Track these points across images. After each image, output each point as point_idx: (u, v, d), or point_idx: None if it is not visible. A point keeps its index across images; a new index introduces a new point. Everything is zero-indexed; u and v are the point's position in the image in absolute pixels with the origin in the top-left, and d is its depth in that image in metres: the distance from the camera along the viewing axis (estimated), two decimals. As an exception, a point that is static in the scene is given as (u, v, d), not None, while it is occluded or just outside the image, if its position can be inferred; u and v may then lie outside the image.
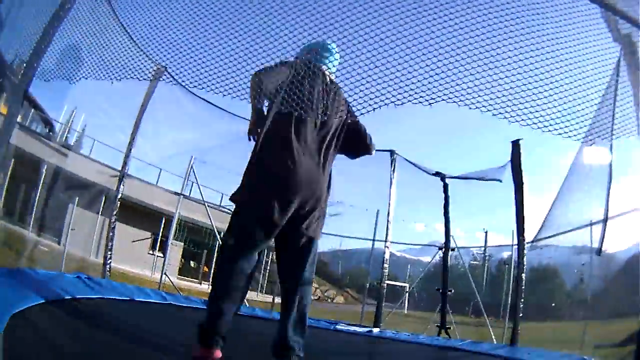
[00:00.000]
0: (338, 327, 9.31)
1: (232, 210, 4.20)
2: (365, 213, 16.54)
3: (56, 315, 4.71)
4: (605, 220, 7.14)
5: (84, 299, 6.08)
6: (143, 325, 5.78)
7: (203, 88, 3.82)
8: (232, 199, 4.22)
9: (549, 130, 3.72)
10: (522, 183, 10.25)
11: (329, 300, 44.87)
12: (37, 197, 17.24)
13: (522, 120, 3.65)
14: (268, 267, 33.96)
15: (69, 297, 5.67)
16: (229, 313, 3.88)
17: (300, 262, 4.24)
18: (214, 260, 30.71)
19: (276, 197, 3.97)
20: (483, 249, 27.67)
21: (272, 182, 4.05)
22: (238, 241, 4.03)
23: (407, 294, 27.10)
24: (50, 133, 26.00)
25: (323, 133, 4.27)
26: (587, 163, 8.29)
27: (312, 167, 4.14)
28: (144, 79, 5.52)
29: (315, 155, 4.20)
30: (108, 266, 9.81)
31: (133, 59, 5.38)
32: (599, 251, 7.83)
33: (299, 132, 4.09)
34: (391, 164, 12.99)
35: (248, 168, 4.25)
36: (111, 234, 10.05)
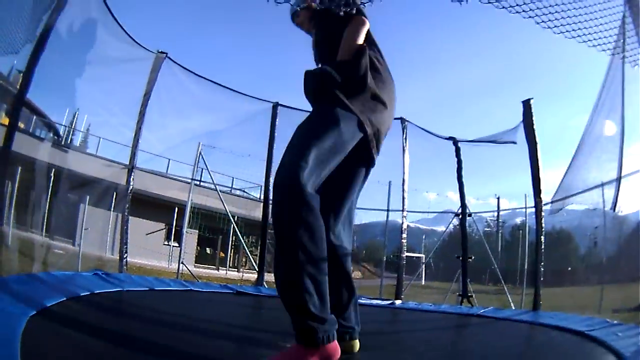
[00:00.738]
0: (360, 301, 9.29)
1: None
2: (377, 185, 16.51)
3: (76, 311, 4.67)
4: (618, 179, 7.11)
5: (103, 293, 6.07)
6: (166, 312, 5.75)
7: None
8: None
9: (584, 41, 3.73)
10: (536, 142, 10.26)
11: (347, 275, 45.19)
12: (48, 201, 17.27)
13: (559, 30, 3.66)
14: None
15: (88, 293, 5.64)
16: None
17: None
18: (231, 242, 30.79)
19: None
20: (496, 215, 27.65)
21: None
22: None
23: (424, 265, 27.10)
24: (55, 137, 26.07)
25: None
26: (597, 129, 8.28)
27: None
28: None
29: None
30: (125, 261, 9.89)
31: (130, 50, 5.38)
32: (614, 206, 7.80)
33: None
34: (402, 132, 12.98)
35: None
36: (125, 228, 10.06)
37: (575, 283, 25.44)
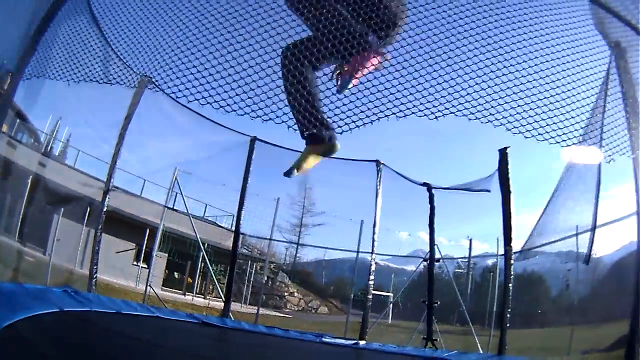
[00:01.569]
0: (324, 339, 9.29)
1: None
2: (349, 222, 16.58)
3: (44, 327, 4.70)
4: (593, 229, 7.20)
5: (71, 311, 6.07)
6: (132, 337, 5.78)
7: (188, 99, 3.80)
8: None
9: (544, 139, 3.78)
10: (510, 192, 10.30)
11: (313, 311, 44.60)
12: (23, 207, 17.19)
13: (521, 130, 3.72)
14: (252, 278, 33.86)
15: (57, 310, 5.65)
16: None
17: None
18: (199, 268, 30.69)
19: None
20: (467, 257, 27.74)
21: None
22: None
23: (391, 305, 27.06)
24: (35, 143, 25.92)
25: None
26: (575, 173, 8.36)
27: None
28: (129, 87, 5.53)
29: None
30: (94, 280, 9.80)
31: (116, 70, 5.40)
32: (587, 259, 7.89)
33: None
34: (377, 175, 13.02)
35: None
36: (97, 248, 10.04)
37: (545, 325, 25.48)
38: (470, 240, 21.52)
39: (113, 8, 5.18)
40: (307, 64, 4.00)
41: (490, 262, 28.10)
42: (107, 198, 10.22)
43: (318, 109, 4.09)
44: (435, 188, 12.66)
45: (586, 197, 7.85)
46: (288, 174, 4.46)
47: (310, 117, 4.04)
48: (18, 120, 21.79)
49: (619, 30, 5.45)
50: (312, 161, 4.37)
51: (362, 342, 9.99)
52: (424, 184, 12.82)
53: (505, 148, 10.68)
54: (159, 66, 4.21)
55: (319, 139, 4.15)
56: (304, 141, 4.22)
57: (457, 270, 33.36)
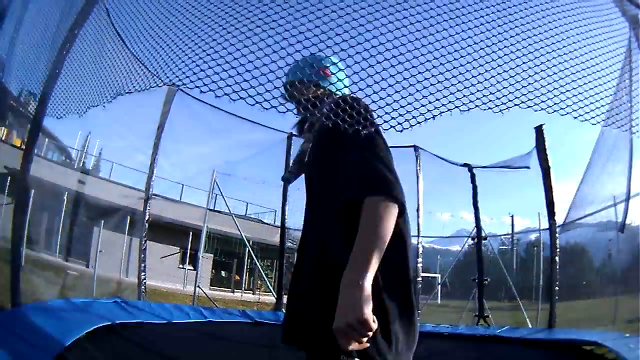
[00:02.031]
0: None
1: None
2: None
3: (97, 347, 4.73)
4: (627, 198, 7.13)
5: (124, 324, 6.12)
6: (187, 351, 5.81)
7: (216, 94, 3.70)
8: None
9: (575, 117, 3.78)
10: (549, 168, 10.28)
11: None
12: (62, 224, 17.38)
13: (550, 107, 3.71)
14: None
15: (109, 323, 5.70)
16: None
17: None
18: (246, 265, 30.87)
19: None
20: (511, 234, 27.55)
21: None
22: None
23: (439, 285, 27.01)
24: (67, 160, 26.21)
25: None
26: (609, 143, 8.28)
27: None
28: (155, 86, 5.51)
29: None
30: (143, 287, 9.89)
31: (143, 79, 5.39)
32: (622, 228, 7.82)
33: None
34: (416, 159, 13.01)
35: None
36: (143, 256, 10.13)
37: (590, 296, 25.24)
38: (512, 216, 21.44)
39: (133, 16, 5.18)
40: None
41: (533, 236, 27.92)
42: (148, 207, 10.33)
43: None
44: (476, 167, 12.62)
45: (620, 166, 7.78)
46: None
47: None
48: (47, 140, 22.01)
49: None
50: None
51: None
52: (465, 165, 12.87)
53: (541, 125, 10.66)
54: (187, 67, 4.17)
55: None
56: None
57: (501, 247, 33.06)
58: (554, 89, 3.76)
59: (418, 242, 13.23)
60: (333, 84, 3.08)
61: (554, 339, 7.31)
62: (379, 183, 2.29)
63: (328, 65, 3.16)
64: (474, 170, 12.66)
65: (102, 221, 18.24)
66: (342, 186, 2.39)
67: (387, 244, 2.13)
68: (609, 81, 4.16)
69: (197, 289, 13.87)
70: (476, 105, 3.33)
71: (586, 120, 3.81)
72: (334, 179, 2.52)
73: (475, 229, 12.60)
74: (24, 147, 6.40)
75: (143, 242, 10.28)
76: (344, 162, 2.48)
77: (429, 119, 3.09)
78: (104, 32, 5.97)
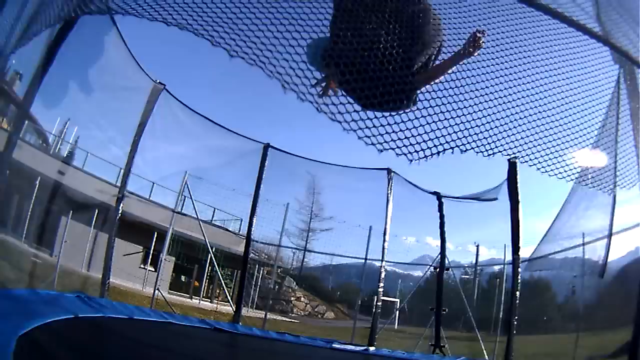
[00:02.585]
0: (335, 345, 9.33)
1: None
2: (357, 228, 16.61)
3: (62, 334, 4.75)
4: (609, 242, 7.24)
5: (86, 317, 6.14)
6: (146, 343, 5.84)
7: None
8: None
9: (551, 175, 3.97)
10: (518, 202, 10.40)
11: (320, 316, 44.50)
12: (31, 209, 17.26)
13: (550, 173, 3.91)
14: (259, 283, 33.81)
15: (72, 316, 5.72)
16: None
17: None
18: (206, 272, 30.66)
19: None
20: (475, 263, 27.70)
21: None
22: None
23: (397, 311, 27.03)
24: (44, 145, 25.98)
25: None
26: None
27: None
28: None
29: None
30: (107, 285, 9.87)
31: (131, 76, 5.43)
32: (602, 273, 7.92)
33: None
34: (388, 183, 13.07)
35: None
36: (110, 253, 10.10)
37: (550, 331, 25.46)
38: (478, 246, 21.53)
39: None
40: None
41: (497, 268, 28.13)
42: (121, 205, 10.31)
43: None
44: (445, 197, 12.68)
45: (597, 207, 7.89)
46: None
47: None
48: (26, 122, 21.89)
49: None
50: None
51: (371, 348, 10.05)
52: (434, 193, 12.89)
53: (515, 158, 10.75)
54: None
55: None
56: None
57: (463, 276, 33.20)
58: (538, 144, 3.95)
59: (381, 266, 13.28)
60: None
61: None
62: None
63: None
64: (443, 200, 12.65)
65: (71, 211, 18.12)
66: None
67: None
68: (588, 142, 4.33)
69: (157, 291, 13.82)
70: (472, 148, 3.55)
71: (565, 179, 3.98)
72: None
73: (440, 257, 12.61)
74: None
75: (112, 240, 10.28)
76: None
77: (434, 154, 3.42)
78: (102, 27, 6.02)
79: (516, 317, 9.82)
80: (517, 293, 9.99)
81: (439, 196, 12.56)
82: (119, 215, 10.29)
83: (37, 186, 17.04)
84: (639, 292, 5.90)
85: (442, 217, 12.42)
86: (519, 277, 10.16)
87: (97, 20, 6.13)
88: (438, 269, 12.62)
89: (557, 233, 10.26)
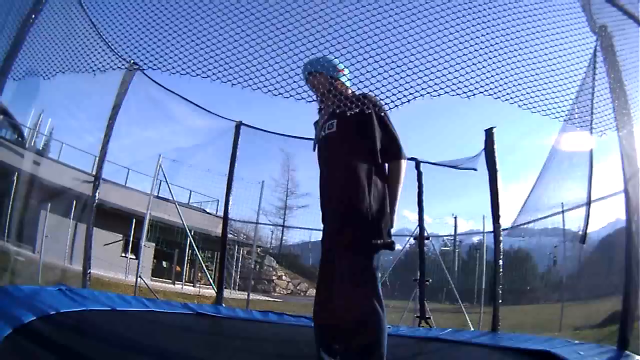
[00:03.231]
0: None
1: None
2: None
3: (45, 332, 4.70)
4: (588, 206, 7.24)
5: (68, 312, 6.08)
6: (129, 336, 5.82)
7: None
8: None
9: (538, 112, 3.97)
10: (496, 171, 10.49)
11: (302, 293, 44.70)
12: (10, 205, 17.11)
13: (521, 103, 3.93)
14: (240, 264, 33.87)
15: (54, 312, 5.67)
16: None
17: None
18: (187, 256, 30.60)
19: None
20: (454, 234, 27.77)
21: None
22: None
23: (379, 284, 27.06)
24: (20, 139, 25.76)
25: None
26: (566, 149, 8.41)
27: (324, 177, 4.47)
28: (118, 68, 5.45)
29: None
30: (88, 275, 9.75)
31: (103, 57, 5.34)
32: (583, 239, 7.92)
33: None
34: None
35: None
36: (89, 243, 9.98)
37: (535, 301, 25.66)
38: (456, 218, 21.67)
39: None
40: None
41: (476, 239, 28.30)
42: (97, 192, 10.16)
43: None
44: (422, 162, 12.49)
45: (576, 173, 7.89)
46: None
47: None
48: (1, 116, 21.63)
49: (605, 13, 5.54)
50: None
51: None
52: (412, 159, 12.47)
53: (492, 128, 10.79)
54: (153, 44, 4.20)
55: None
56: None
57: (443, 248, 33.38)
58: (519, 83, 3.97)
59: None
60: (345, 77, 4.52)
61: (502, 345, 7.37)
62: (401, 149, 4.29)
63: (342, 66, 4.40)
64: (420, 167, 12.51)
65: (49, 204, 18.00)
66: (373, 151, 4.18)
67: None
68: (572, 84, 4.35)
69: (139, 279, 13.77)
70: (446, 92, 3.58)
71: (548, 115, 3.99)
72: (359, 146, 4.20)
73: (418, 228, 12.53)
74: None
75: (90, 229, 10.17)
76: (371, 134, 4.18)
77: (404, 102, 3.44)
78: (70, 7, 5.90)
79: (500, 287, 9.83)
80: (501, 262, 9.99)
81: (417, 162, 12.34)
82: (96, 202, 10.08)
83: (14, 182, 16.90)
84: (626, 261, 5.90)
85: (420, 185, 12.24)
86: (501, 246, 10.16)
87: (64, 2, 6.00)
88: (418, 239, 12.47)
89: (536, 203, 10.27)
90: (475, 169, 12.07)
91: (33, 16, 5.83)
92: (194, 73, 3.76)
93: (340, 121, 4.29)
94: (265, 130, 12.90)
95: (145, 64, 4.15)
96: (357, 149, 4.19)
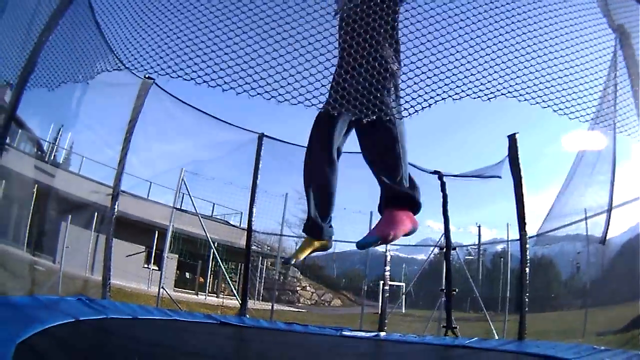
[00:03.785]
0: (344, 333, 9.18)
1: None
2: (358, 214, 16.60)
3: (62, 339, 4.62)
4: (609, 210, 7.12)
5: (87, 320, 6.00)
6: (151, 342, 5.72)
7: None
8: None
9: (564, 114, 3.87)
10: (521, 177, 10.31)
11: (326, 304, 44.78)
12: (30, 217, 17.18)
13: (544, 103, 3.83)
14: (264, 275, 33.90)
15: (72, 320, 5.58)
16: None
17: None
18: (210, 267, 30.70)
19: None
20: (477, 243, 27.66)
21: None
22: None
23: (404, 295, 27.00)
24: (39, 152, 25.91)
25: None
26: (588, 156, 8.30)
27: None
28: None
29: None
30: (108, 286, 9.71)
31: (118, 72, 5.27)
32: (603, 240, 7.81)
33: None
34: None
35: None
36: (109, 254, 9.97)
37: (558, 308, 25.54)
38: (479, 227, 21.55)
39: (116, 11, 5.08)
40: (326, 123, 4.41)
41: (499, 247, 28.19)
42: (116, 203, 10.15)
43: (326, 204, 4.67)
44: (446, 176, 12.46)
45: (598, 179, 7.79)
46: (287, 261, 4.97)
47: (313, 213, 4.57)
48: (20, 131, 21.76)
49: (623, 13, 5.43)
50: (308, 251, 4.71)
51: (382, 334, 9.91)
52: (435, 172, 12.58)
53: (514, 134, 10.65)
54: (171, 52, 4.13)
55: (316, 235, 4.66)
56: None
57: (467, 257, 33.23)
58: (541, 83, 3.86)
59: (386, 250, 13.20)
60: None
61: (529, 352, 7.24)
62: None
63: None
64: (444, 179, 12.46)
65: (70, 216, 18.06)
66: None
67: None
68: (596, 84, 4.25)
69: (162, 290, 13.76)
70: (467, 95, 3.45)
71: (575, 117, 3.88)
72: None
73: (444, 237, 12.42)
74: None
75: (110, 240, 10.15)
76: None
77: (425, 107, 3.30)
78: (83, 21, 5.86)
79: (527, 295, 9.71)
80: (527, 270, 9.87)
81: (440, 175, 12.32)
82: (115, 213, 10.06)
83: (34, 194, 16.97)
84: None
85: (445, 196, 12.17)
86: (527, 254, 10.03)
87: (78, 16, 5.97)
88: (445, 249, 12.38)
89: (560, 210, 10.16)
90: (499, 177, 11.96)
91: (48, 33, 5.81)
92: (213, 83, 3.65)
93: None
94: (287, 142, 12.80)
95: (165, 72, 4.04)
96: None
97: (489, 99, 3.67)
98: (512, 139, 10.62)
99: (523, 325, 9.36)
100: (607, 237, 10.59)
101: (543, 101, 3.85)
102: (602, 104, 4.74)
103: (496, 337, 12.36)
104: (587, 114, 4.03)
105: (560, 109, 3.87)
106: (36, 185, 17.47)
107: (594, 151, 7.89)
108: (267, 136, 12.44)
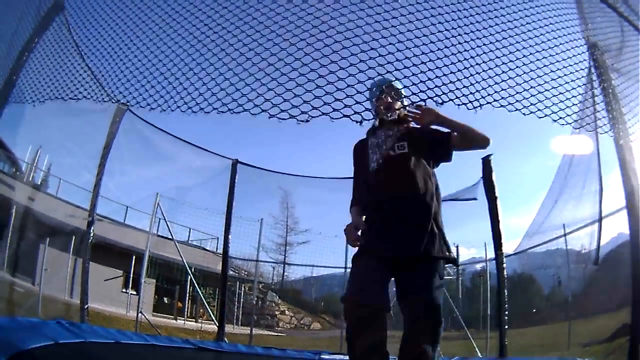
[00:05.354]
0: (323, 356, 9.17)
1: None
2: (334, 239, 16.82)
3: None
4: (599, 228, 7.20)
5: (66, 343, 6.00)
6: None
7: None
8: None
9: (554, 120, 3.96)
10: (496, 198, 10.50)
11: (306, 327, 44.65)
12: (9, 238, 17.09)
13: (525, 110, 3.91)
14: (242, 299, 33.83)
15: (52, 343, 5.58)
16: None
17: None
18: (188, 292, 30.63)
19: None
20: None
21: None
22: None
23: (385, 315, 27.01)
24: (18, 172, 25.77)
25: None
26: (565, 172, 8.39)
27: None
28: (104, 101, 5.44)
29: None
30: (86, 310, 9.73)
31: (95, 97, 5.31)
32: (596, 260, 7.89)
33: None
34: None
35: None
36: (86, 278, 9.98)
37: (541, 322, 25.60)
38: (457, 247, 21.66)
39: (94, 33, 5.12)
40: None
41: (478, 266, 28.34)
42: (91, 228, 10.18)
43: None
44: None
45: (579, 193, 7.88)
46: None
47: None
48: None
49: (600, 27, 5.56)
50: None
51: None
52: None
53: (488, 156, 10.79)
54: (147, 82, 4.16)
55: None
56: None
57: (446, 277, 33.18)
58: (526, 90, 3.93)
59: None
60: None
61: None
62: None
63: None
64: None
65: (48, 239, 17.99)
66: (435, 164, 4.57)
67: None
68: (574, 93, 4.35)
69: (140, 314, 13.73)
70: (450, 99, 3.53)
71: (559, 122, 3.95)
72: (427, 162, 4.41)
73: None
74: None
75: (87, 264, 10.15)
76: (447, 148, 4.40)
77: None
78: (62, 42, 5.89)
79: (506, 312, 9.78)
80: (505, 290, 9.97)
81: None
82: (91, 238, 10.07)
83: (13, 215, 16.89)
84: (632, 274, 5.86)
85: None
86: (504, 272, 10.13)
87: (58, 40, 6.01)
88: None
89: (539, 227, 10.28)
90: (475, 199, 12.11)
91: (26, 53, 5.85)
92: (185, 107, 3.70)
93: (411, 140, 4.29)
94: (262, 168, 13.19)
95: (139, 103, 4.08)
96: (427, 165, 4.42)
97: (474, 107, 3.74)
98: (485, 161, 10.80)
99: (503, 341, 9.42)
100: (586, 250, 10.72)
101: (524, 107, 3.94)
102: (582, 111, 4.84)
103: (479, 354, 12.40)
104: (569, 117, 4.12)
105: (546, 115, 3.96)
106: (15, 207, 17.40)
107: (576, 165, 7.99)
108: (241, 162, 12.60)
